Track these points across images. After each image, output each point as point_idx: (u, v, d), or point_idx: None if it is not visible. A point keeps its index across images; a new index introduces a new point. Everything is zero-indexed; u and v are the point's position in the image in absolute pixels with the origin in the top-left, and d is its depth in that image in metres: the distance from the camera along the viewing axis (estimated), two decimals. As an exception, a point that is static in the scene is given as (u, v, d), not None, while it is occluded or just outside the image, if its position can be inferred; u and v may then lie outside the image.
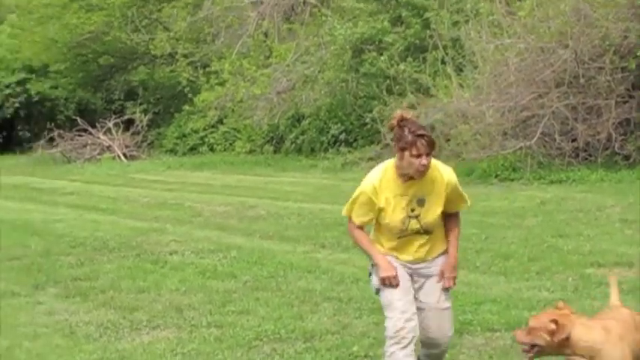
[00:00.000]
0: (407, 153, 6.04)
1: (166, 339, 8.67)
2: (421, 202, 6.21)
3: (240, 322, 9.09)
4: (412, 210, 6.21)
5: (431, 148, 6.08)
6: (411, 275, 6.41)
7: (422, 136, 6.03)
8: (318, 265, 11.87)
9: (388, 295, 6.30)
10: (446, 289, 6.45)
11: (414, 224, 6.26)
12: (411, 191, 6.18)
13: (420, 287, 6.44)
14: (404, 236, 6.30)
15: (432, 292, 6.42)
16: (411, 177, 6.18)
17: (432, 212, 6.28)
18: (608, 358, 5.59)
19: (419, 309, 6.37)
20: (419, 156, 6.02)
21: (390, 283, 6.26)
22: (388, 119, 23.55)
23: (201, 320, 9.26)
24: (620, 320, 5.86)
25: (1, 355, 8.38)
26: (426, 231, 6.32)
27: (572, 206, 15.94)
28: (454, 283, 6.51)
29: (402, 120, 6.15)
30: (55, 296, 10.92)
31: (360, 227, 6.38)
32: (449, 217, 6.47)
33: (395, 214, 6.21)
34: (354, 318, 9.00)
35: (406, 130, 6.08)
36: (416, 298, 6.40)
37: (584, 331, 5.63)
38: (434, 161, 6.22)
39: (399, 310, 6.23)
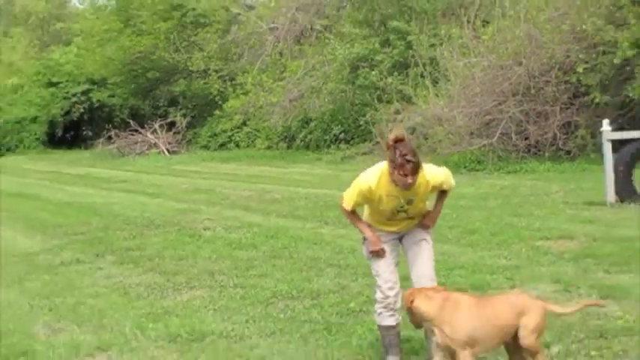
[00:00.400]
0: (396, 171, 5.81)
1: (201, 297, 8.68)
2: (410, 202, 6.05)
3: (260, 283, 9.10)
4: (401, 207, 6.08)
5: (416, 171, 5.80)
6: (399, 238, 6.33)
7: (409, 161, 5.74)
8: (322, 238, 11.88)
9: (376, 266, 6.28)
10: (426, 227, 6.30)
11: (402, 215, 6.16)
12: (402, 194, 5.99)
13: (404, 240, 6.34)
14: (392, 220, 6.21)
15: (412, 234, 6.30)
16: None
17: (418, 206, 6.17)
18: (440, 330, 5.46)
19: (406, 253, 6.30)
20: (405, 176, 5.79)
21: (377, 254, 6.22)
22: (379, 122, 23.87)
23: (229, 282, 9.27)
24: (484, 299, 5.71)
25: (69, 311, 8.39)
26: (411, 218, 6.23)
27: (525, 192, 15.98)
28: (432, 225, 6.33)
29: (397, 142, 5.81)
30: (112, 263, 10.97)
31: (353, 210, 6.24)
32: (441, 192, 6.30)
33: (387, 207, 6.08)
34: (351, 280, 9.01)
35: (397, 153, 5.77)
36: (405, 251, 6.31)
37: (422, 302, 5.51)
38: (424, 166, 5.95)
39: (384, 279, 6.23)
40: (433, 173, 6.09)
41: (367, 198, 6.07)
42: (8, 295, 9.28)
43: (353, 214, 6.26)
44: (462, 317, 5.41)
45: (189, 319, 7.74)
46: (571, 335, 6.63)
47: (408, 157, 5.75)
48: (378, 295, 6.28)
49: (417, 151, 5.85)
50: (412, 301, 5.57)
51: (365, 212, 6.36)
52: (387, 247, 6.27)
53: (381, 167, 6.02)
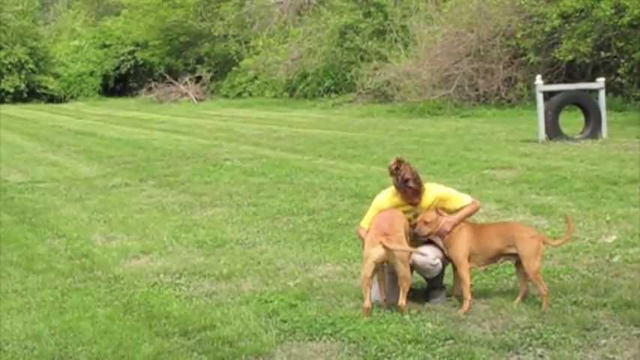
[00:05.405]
0: (400, 194, 5.22)
1: (222, 213, 8.64)
2: (416, 216, 5.25)
3: (268, 202, 9.05)
4: (410, 220, 5.26)
5: (417, 194, 5.18)
6: None
7: (410, 187, 5.13)
8: (316, 167, 11.80)
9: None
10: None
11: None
12: (410, 210, 5.26)
13: None
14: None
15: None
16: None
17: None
18: None
19: None
20: (407, 198, 5.21)
21: None
22: (361, 77, 23.71)
23: (244, 201, 9.22)
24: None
25: (119, 223, 8.34)
26: None
27: (475, 131, 15.92)
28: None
29: (397, 167, 5.17)
30: (152, 186, 10.94)
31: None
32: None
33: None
34: (339, 201, 8.96)
35: (399, 179, 5.13)
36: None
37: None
38: (430, 186, 5.30)
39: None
40: (428, 193, 5.28)
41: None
42: (72, 210, 9.26)
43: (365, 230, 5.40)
44: None
45: (213, 230, 7.71)
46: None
47: (410, 184, 5.13)
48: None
49: (417, 174, 5.18)
50: None
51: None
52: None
53: (391, 189, 5.34)
